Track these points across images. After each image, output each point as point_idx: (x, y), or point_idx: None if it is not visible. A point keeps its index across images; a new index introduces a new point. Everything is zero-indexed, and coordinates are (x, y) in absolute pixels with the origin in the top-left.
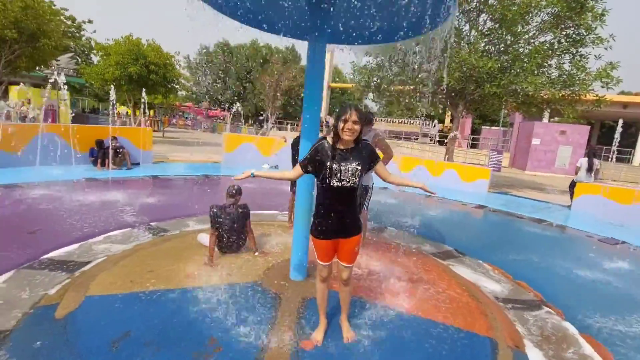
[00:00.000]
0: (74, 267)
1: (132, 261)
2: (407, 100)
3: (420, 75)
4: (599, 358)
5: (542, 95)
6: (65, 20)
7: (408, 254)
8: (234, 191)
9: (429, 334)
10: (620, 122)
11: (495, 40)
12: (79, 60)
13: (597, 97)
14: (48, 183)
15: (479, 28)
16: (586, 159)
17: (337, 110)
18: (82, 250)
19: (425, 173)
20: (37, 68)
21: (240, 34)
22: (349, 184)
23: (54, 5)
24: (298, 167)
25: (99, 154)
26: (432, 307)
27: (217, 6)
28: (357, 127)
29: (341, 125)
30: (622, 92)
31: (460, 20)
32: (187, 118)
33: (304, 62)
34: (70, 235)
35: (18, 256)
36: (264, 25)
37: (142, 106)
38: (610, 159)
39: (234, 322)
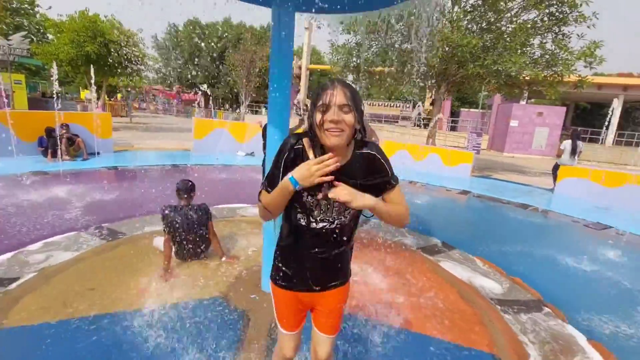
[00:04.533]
0: None
1: (69, 276)
2: (388, 83)
3: (400, 55)
4: None
5: (524, 76)
6: None
7: (390, 249)
8: (187, 187)
9: (418, 353)
10: (616, 101)
11: (478, 18)
12: (34, 39)
13: (580, 78)
14: None
15: (462, 5)
16: (570, 141)
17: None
18: (12, 263)
19: (408, 158)
20: None
21: (212, 11)
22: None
23: None
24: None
25: (49, 143)
26: (422, 317)
27: None
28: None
29: (319, 117)
30: (596, 74)
31: None
32: (158, 102)
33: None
34: (0, 243)
35: None
36: None
37: (92, 87)
38: (586, 140)
39: (191, 352)
